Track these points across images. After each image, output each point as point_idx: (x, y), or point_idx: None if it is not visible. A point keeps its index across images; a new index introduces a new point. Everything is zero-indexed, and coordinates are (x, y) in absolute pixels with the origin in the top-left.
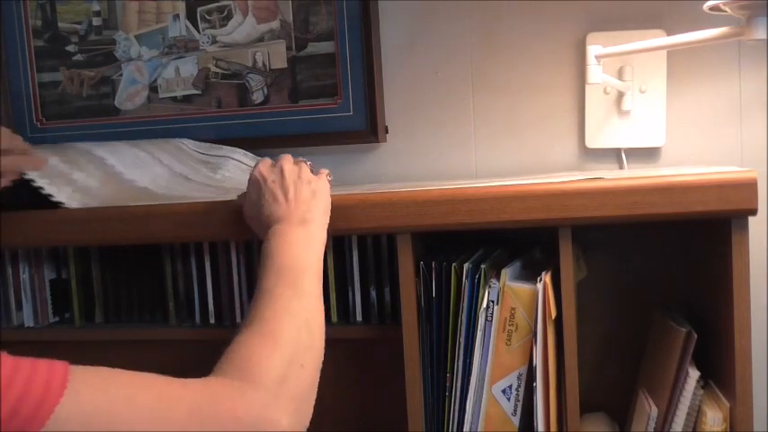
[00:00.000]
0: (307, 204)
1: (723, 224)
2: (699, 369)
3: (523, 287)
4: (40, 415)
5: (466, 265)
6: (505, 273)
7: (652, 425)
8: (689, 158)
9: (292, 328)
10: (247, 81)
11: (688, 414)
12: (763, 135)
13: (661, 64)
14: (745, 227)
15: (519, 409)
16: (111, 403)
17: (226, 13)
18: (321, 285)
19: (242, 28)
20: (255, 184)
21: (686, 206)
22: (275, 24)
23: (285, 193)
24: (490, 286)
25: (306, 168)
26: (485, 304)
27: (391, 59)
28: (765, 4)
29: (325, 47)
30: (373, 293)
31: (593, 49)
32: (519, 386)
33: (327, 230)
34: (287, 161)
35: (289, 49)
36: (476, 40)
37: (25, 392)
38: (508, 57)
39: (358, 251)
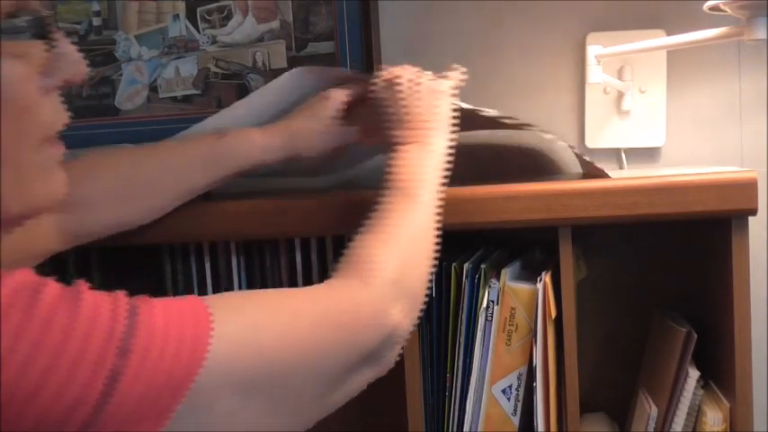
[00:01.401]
0: (427, 118)
1: (723, 224)
2: (699, 369)
3: (523, 287)
4: (197, 356)
5: (466, 265)
6: (505, 273)
7: (652, 425)
8: (689, 158)
9: (407, 233)
10: (247, 81)
11: (688, 414)
12: (763, 135)
13: (661, 64)
14: (745, 227)
15: (519, 409)
16: (252, 329)
17: (226, 13)
18: (437, 198)
19: (242, 28)
20: (376, 99)
21: (686, 206)
22: (275, 24)
23: (404, 110)
24: (490, 286)
25: (425, 79)
26: (485, 304)
27: (391, 59)
28: (765, 4)
29: (325, 47)
30: None
31: (592, 49)
32: (519, 386)
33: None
34: (406, 71)
35: (289, 49)
36: (475, 39)
37: (182, 336)
38: (508, 57)
39: None
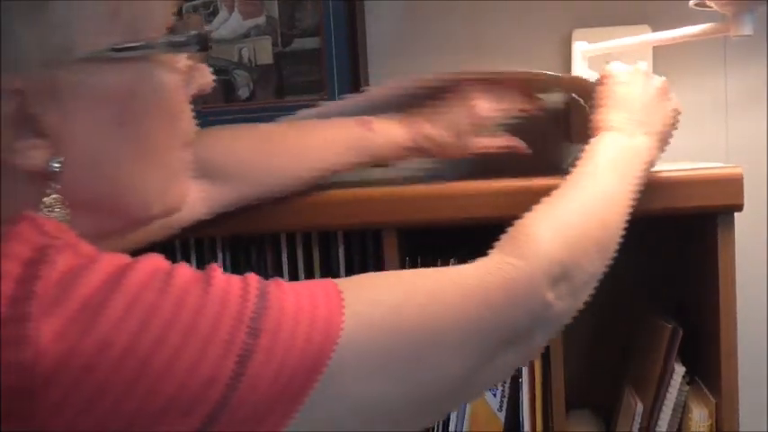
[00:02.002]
0: (650, 120)
1: (709, 220)
2: (685, 365)
3: None
4: (330, 337)
5: (452, 261)
6: None
7: (638, 421)
8: (674, 154)
9: (582, 216)
10: (233, 77)
11: (674, 410)
12: (749, 131)
13: (647, 60)
14: (730, 223)
15: (505, 405)
16: (388, 308)
17: (212, 8)
18: (629, 192)
19: (228, 24)
20: (602, 84)
21: (672, 202)
22: (261, 20)
23: (631, 104)
24: None
25: (663, 84)
26: None
27: (377, 55)
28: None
29: (310, 42)
30: None
31: (578, 46)
32: (505, 382)
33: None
34: (644, 74)
35: (275, 44)
36: (461, 36)
37: (313, 317)
38: (494, 52)
39: (344, 247)
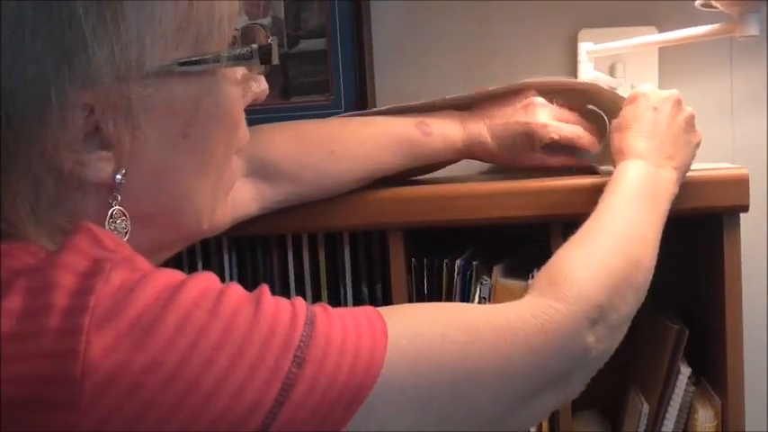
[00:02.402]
0: (671, 147)
1: (714, 221)
2: (690, 366)
3: (515, 283)
4: (373, 369)
5: (458, 262)
6: (497, 269)
7: (644, 422)
8: None
9: (619, 257)
10: None
11: (679, 411)
12: (755, 132)
13: (653, 61)
14: (736, 224)
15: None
16: (429, 344)
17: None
18: (658, 235)
19: None
20: (634, 102)
21: (678, 203)
22: (267, 21)
23: (661, 133)
24: (482, 283)
25: (691, 116)
26: (476, 301)
27: (383, 56)
28: (756, 0)
29: (316, 43)
30: (365, 290)
31: (584, 46)
32: None
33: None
34: (675, 102)
35: (280, 45)
36: (467, 36)
37: (358, 348)
38: (499, 54)
39: (350, 248)
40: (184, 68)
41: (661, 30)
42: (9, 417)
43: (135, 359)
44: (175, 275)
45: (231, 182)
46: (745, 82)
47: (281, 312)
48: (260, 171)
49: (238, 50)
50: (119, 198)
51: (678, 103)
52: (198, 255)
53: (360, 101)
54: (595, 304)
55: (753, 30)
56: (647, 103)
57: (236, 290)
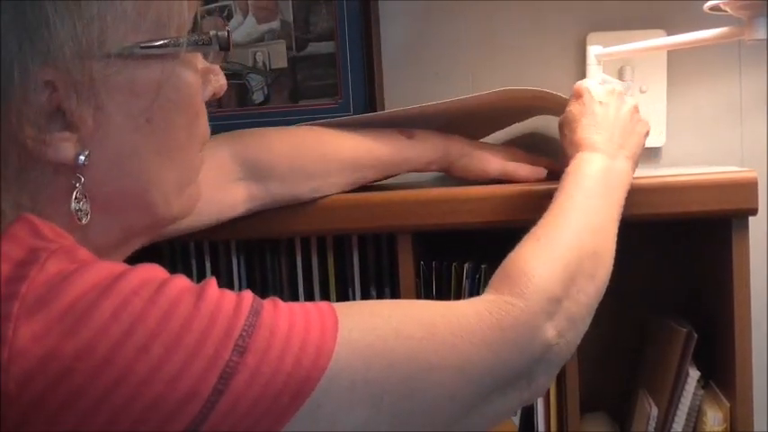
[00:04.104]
0: (621, 138)
1: (723, 224)
2: (699, 369)
3: None
4: (320, 362)
5: (466, 265)
6: None
7: (652, 425)
8: (689, 158)
9: (574, 249)
10: (247, 81)
11: (688, 414)
12: (764, 135)
13: (661, 64)
14: (745, 227)
15: (519, 409)
16: (382, 339)
17: (226, 12)
18: (616, 226)
19: (242, 28)
20: (579, 98)
21: (686, 206)
22: (275, 24)
23: (610, 125)
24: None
25: (634, 106)
26: None
27: (392, 59)
28: (765, 3)
29: (325, 47)
30: (373, 293)
31: (593, 50)
32: None
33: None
34: (618, 95)
35: (289, 48)
36: (476, 39)
37: (305, 340)
38: (508, 57)
39: (358, 251)
40: (145, 51)
41: (670, 33)
42: None
43: (65, 345)
44: (117, 267)
45: (198, 167)
46: (755, 85)
47: (224, 302)
48: (253, 172)
49: (198, 36)
50: (82, 180)
51: (621, 95)
52: (206, 257)
53: (368, 104)
54: (552, 297)
55: (761, 33)
56: (592, 97)
57: (180, 281)
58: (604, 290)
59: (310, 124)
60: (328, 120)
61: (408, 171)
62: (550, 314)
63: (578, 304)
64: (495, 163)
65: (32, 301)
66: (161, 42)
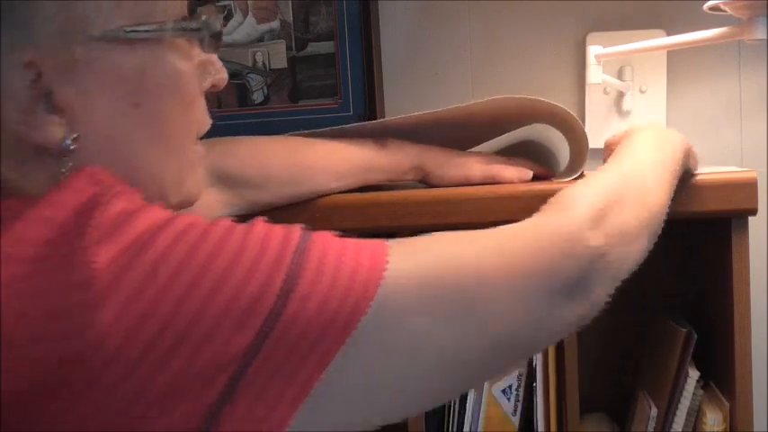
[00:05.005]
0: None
1: (723, 224)
2: (699, 369)
3: None
4: (376, 274)
5: None
6: None
7: (652, 425)
8: None
9: (622, 177)
10: (247, 81)
11: (688, 414)
12: (764, 135)
13: (661, 64)
14: (744, 227)
15: (519, 410)
16: (436, 256)
17: (226, 12)
18: (672, 176)
19: (242, 28)
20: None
21: (686, 206)
22: (275, 24)
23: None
24: None
25: None
26: None
27: (391, 60)
28: (765, 4)
29: (325, 47)
30: None
31: (593, 50)
32: (519, 386)
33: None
34: None
35: (289, 49)
36: (475, 40)
37: (357, 261)
38: (508, 57)
39: None
40: (130, 35)
41: (669, 33)
42: (26, 332)
43: (137, 265)
44: (170, 211)
45: (196, 160)
46: (754, 85)
47: (273, 232)
48: (222, 179)
49: (186, 23)
50: (69, 164)
51: None
52: None
53: (368, 104)
54: (595, 208)
55: (761, 33)
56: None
57: (225, 221)
58: (659, 225)
59: (298, 134)
60: (314, 130)
61: (384, 180)
62: (595, 222)
63: (626, 221)
64: (476, 168)
65: (101, 234)
66: (146, 27)
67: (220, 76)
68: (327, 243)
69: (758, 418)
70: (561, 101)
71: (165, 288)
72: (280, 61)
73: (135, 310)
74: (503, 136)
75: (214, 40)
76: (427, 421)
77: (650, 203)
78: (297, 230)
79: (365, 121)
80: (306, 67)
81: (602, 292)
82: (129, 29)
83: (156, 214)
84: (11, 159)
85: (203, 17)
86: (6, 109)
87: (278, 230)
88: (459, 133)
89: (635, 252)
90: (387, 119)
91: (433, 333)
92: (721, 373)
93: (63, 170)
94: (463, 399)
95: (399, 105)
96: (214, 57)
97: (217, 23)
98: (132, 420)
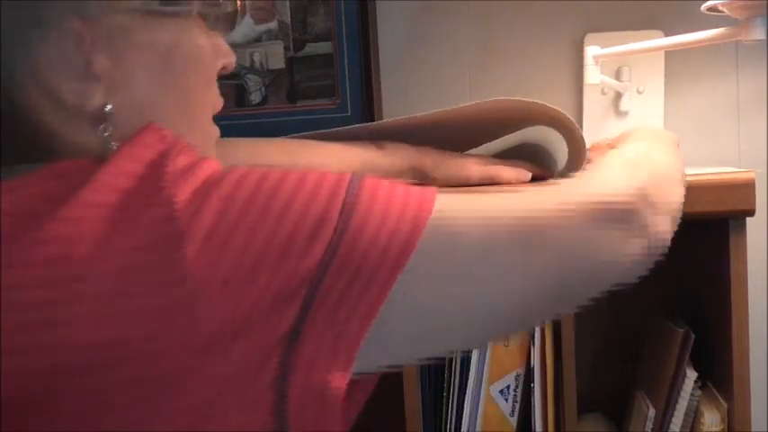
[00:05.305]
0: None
1: (721, 225)
2: (696, 370)
3: None
4: (427, 206)
5: None
6: None
7: (650, 426)
8: (687, 159)
9: (638, 151)
10: (245, 81)
11: (686, 415)
12: (761, 136)
13: (659, 65)
14: (742, 227)
15: (516, 410)
16: (480, 202)
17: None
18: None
19: (239, 28)
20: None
21: (684, 206)
22: (273, 25)
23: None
24: None
25: None
26: None
27: (389, 60)
28: (763, 4)
29: (323, 47)
30: None
31: (590, 50)
32: (517, 387)
33: None
34: None
35: (287, 49)
36: (473, 40)
37: (407, 195)
38: (506, 57)
39: None
40: (163, 8)
41: (667, 33)
42: (113, 264)
43: (211, 201)
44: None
45: (213, 138)
46: (752, 86)
47: (326, 173)
48: None
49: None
50: (110, 129)
51: None
52: None
53: (366, 104)
54: (623, 168)
55: (759, 34)
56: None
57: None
58: (684, 181)
59: (295, 136)
60: (312, 132)
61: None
62: (629, 174)
63: (657, 168)
64: (474, 169)
65: (176, 178)
66: (177, 1)
67: (229, 59)
68: (378, 181)
69: (756, 419)
70: (559, 101)
71: (240, 217)
72: (277, 62)
73: (216, 241)
74: (501, 138)
75: (228, 20)
76: (425, 421)
77: (668, 163)
78: (348, 173)
79: (363, 121)
80: (304, 68)
81: (659, 225)
82: (162, 2)
83: (216, 164)
84: (66, 124)
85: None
86: (57, 75)
87: (330, 173)
88: (457, 135)
89: (676, 192)
90: (385, 120)
91: (490, 261)
92: (719, 374)
93: (106, 134)
94: (461, 399)
95: (397, 106)
96: (221, 39)
97: (235, 2)
98: (215, 347)
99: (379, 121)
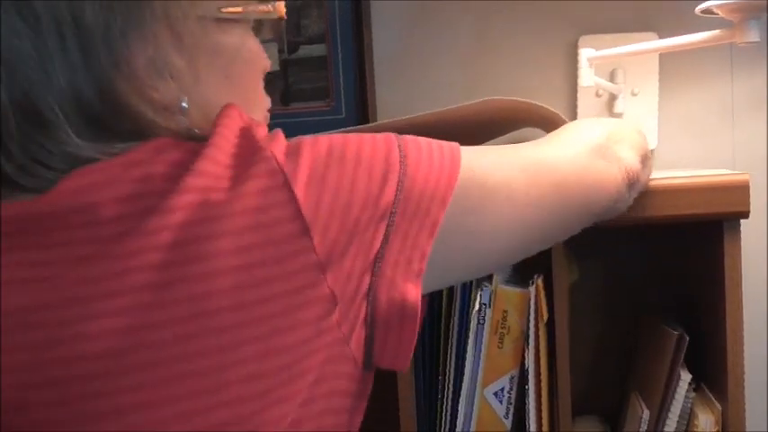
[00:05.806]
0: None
1: (715, 227)
2: (691, 372)
3: (516, 290)
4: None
5: None
6: (497, 275)
7: (644, 427)
8: (681, 161)
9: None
10: None
11: (680, 417)
12: (756, 138)
13: (653, 67)
14: (737, 230)
15: (511, 412)
16: (501, 159)
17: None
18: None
19: None
20: None
21: (678, 209)
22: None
23: None
24: (482, 289)
25: None
26: (477, 307)
27: (383, 62)
28: (757, 6)
29: (317, 49)
30: None
31: (585, 52)
32: (511, 389)
33: None
34: None
35: (280, 51)
36: (468, 42)
37: (440, 147)
38: (500, 60)
39: None
40: (227, 15)
41: (661, 36)
42: (239, 207)
43: (303, 155)
44: None
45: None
46: (746, 88)
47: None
48: None
49: (264, 6)
50: (186, 122)
51: None
52: None
53: (360, 107)
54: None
55: (753, 36)
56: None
57: None
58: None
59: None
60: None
61: None
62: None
63: (619, 124)
64: None
65: (266, 142)
66: (238, 9)
67: (269, 61)
68: (414, 138)
69: (750, 421)
70: (553, 103)
71: (326, 168)
72: (272, 64)
73: (314, 185)
74: (495, 139)
75: (277, 25)
76: (419, 424)
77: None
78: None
79: (357, 124)
80: (297, 70)
81: (630, 158)
82: (226, 10)
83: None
84: (157, 115)
85: (274, 1)
86: (147, 75)
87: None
88: (452, 135)
89: (638, 138)
90: (379, 122)
91: (512, 186)
92: (713, 376)
93: (183, 127)
94: (455, 401)
95: (392, 108)
96: (259, 43)
97: (283, 8)
98: (329, 264)
99: (374, 123)
